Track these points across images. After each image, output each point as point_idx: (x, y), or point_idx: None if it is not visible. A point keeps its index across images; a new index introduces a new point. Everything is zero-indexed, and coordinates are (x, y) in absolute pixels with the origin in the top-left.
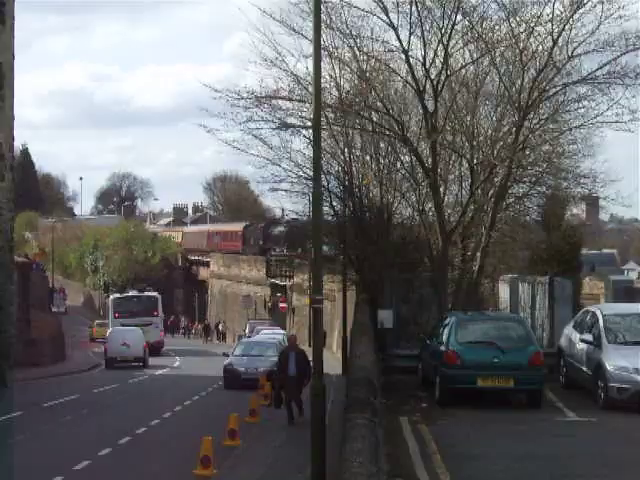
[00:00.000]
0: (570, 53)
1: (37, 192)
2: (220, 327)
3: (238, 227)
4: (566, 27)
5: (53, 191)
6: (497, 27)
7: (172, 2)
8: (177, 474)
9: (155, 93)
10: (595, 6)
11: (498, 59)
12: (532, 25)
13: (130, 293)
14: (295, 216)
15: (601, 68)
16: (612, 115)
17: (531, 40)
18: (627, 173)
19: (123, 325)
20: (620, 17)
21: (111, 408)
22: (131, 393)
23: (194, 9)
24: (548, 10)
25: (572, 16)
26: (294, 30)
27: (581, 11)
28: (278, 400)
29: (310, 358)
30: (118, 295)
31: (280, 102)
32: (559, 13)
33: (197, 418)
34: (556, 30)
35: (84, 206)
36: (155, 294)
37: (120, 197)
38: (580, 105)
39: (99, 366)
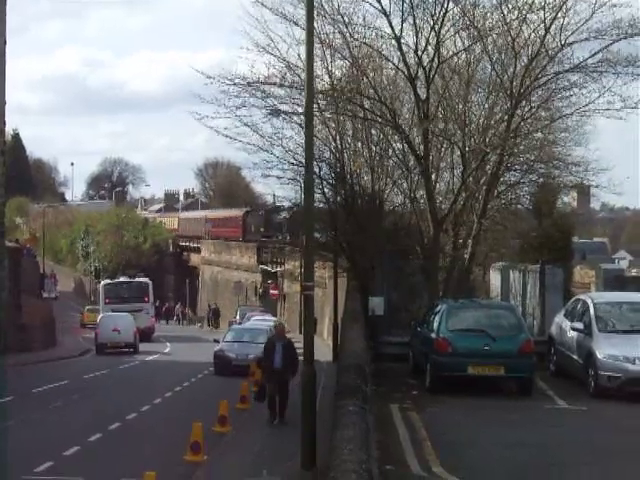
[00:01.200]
0: (563, 41)
1: (28, 177)
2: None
3: (238, 213)
4: (559, 15)
5: (44, 176)
6: (489, 14)
7: None
8: (167, 460)
9: (148, 79)
10: None
11: (490, 47)
12: (524, 13)
13: (121, 279)
14: (287, 203)
15: (593, 56)
16: (604, 103)
17: (523, 28)
18: (619, 161)
19: (114, 311)
20: (614, 5)
21: (101, 394)
22: (122, 379)
23: None
24: None
25: (564, 4)
26: (286, 17)
27: None
28: (262, 393)
29: (300, 345)
30: (109, 281)
31: (272, 89)
32: (551, 1)
33: (187, 404)
34: (548, 18)
35: (75, 191)
36: (146, 280)
37: (111, 183)
38: (572, 93)
39: (90, 352)
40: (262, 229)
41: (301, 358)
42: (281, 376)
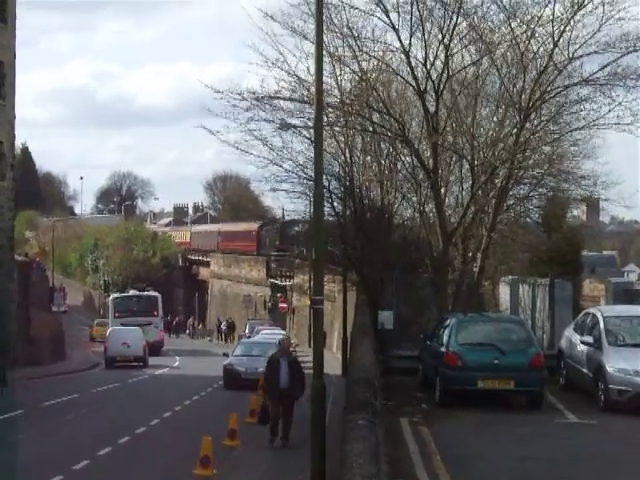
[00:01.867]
0: (571, 54)
1: (37, 191)
2: (223, 327)
3: (252, 227)
4: (567, 28)
5: (54, 190)
6: (497, 28)
7: (176, 2)
8: (177, 474)
9: (157, 92)
10: (596, 8)
11: (499, 60)
12: (533, 26)
13: (130, 293)
14: (297, 216)
15: (602, 69)
16: (613, 117)
17: (532, 41)
18: (628, 174)
19: (123, 325)
20: (621, 19)
21: (111, 407)
22: (131, 393)
23: (197, 9)
24: (548, 11)
25: (573, 17)
26: (295, 31)
27: (582, 12)
28: (265, 415)
29: (310, 358)
30: (118, 294)
31: (281, 102)
32: (559, 14)
33: (197, 418)
34: (557, 31)
35: (84, 205)
36: (155, 294)
37: (120, 196)
38: (581, 107)
39: (99, 365)
40: (277, 242)
41: (310, 372)
42: (287, 396)
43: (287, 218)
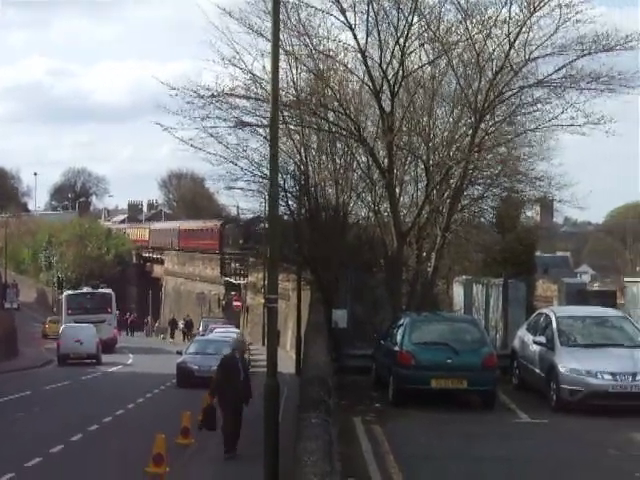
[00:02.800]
0: (527, 56)
1: None
2: (181, 325)
3: (214, 225)
4: (523, 30)
5: (7, 186)
6: (454, 29)
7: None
8: (129, 472)
9: (114, 89)
10: (553, 10)
11: (455, 61)
12: (489, 27)
13: (84, 290)
14: (251, 215)
15: (557, 71)
16: (567, 119)
17: (488, 42)
18: (582, 176)
19: (76, 322)
20: (577, 21)
21: (64, 405)
22: (84, 390)
23: (155, 6)
24: (505, 12)
25: (529, 19)
26: (252, 29)
27: (538, 14)
28: (211, 419)
29: (264, 357)
30: (71, 292)
31: (237, 100)
32: (516, 16)
33: (150, 416)
34: (513, 33)
35: (38, 202)
36: (109, 291)
37: (75, 193)
38: (536, 108)
39: (52, 363)
40: (241, 241)
41: (264, 370)
42: (239, 400)
43: (242, 216)
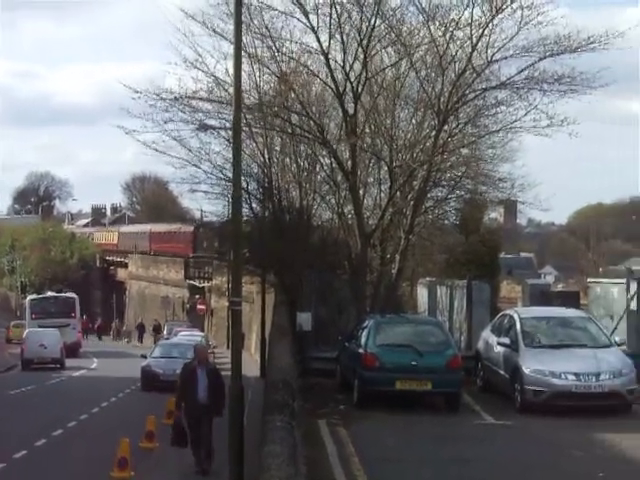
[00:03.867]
0: (489, 58)
1: None
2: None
3: (187, 228)
4: (485, 32)
5: None
6: (416, 31)
7: (98, 1)
8: (94, 476)
9: (78, 92)
10: (515, 12)
11: (417, 63)
12: (451, 29)
13: (47, 294)
14: (215, 218)
15: (519, 73)
16: (530, 120)
17: (450, 44)
18: (545, 177)
19: (40, 326)
20: (539, 23)
21: (28, 410)
22: (48, 395)
23: (121, 8)
24: (467, 14)
25: (491, 21)
26: (215, 31)
27: (500, 16)
28: (180, 435)
29: (228, 360)
30: (35, 296)
31: (200, 103)
32: (478, 18)
33: (114, 420)
34: (475, 35)
35: (1, 206)
36: (72, 295)
37: (38, 197)
38: (499, 110)
39: (16, 367)
40: (216, 244)
41: (229, 373)
42: (206, 412)
43: (205, 219)
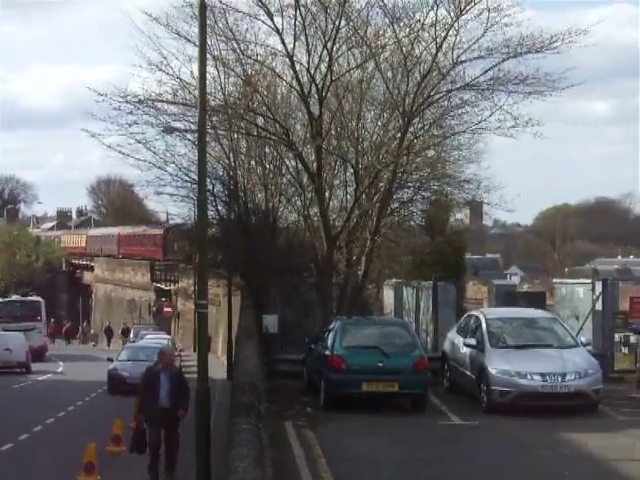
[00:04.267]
0: (455, 59)
1: None
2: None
3: (157, 230)
4: (450, 33)
5: None
6: (381, 32)
7: (64, 2)
8: None
9: (44, 95)
10: (481, 13)
11: (383, 64)
12: (416, 31)
13: (13, 297)
14: (181, 220)
15: (484, 74)
16: (495, 121)
17: (415, 46)
18: (511, 178)
19: (5, 330)
20: (505, 25)
21: None
22: (14, 399)
23: (84, 10)
24: (433, 16)
25: (456, 22)
26: (179, 34)
27: (466, 18)
28: (141, 441)
29: (195, 363)
30: (0, 299)
31: (165, 106)
32: (442, 19)
33: (81, 424)
34: (440, 36)
35: None
36: (38, 299)
37: (3, 200)
38: (464, 111)
39: None
40: (187, 247)
41: (195, 376)
42: (168, 417)
43: (175, 222)
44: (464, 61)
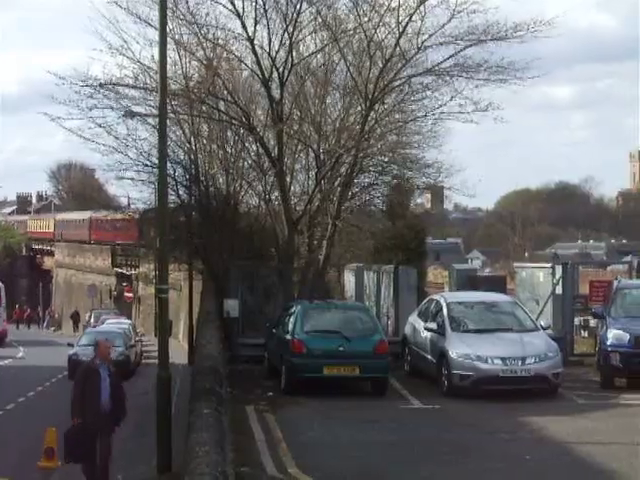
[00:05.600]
0: (419, 45)
1: None
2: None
3: (132, 215)
4: (415, 18)
5: None
6: (344, 16)
7: None
8: (21, 466)
9: (4, 79)
10: None
11: (345, 49)
12: (380, 15)
13: None
14: (142, 205)
15: (446, 60)
16: (456, 106)
17: (379, 30)
18: (472, 163)
19: None
20: (472, 12)
21: None
22: None
23: None
24: (396, 0)
25: (419, 6)
26: (140, 18)
27: (432, 2)
28: (78, 447)
29: (156, 348)
30: None
31: (126, 90)
32: (406, 2)
33: (41, 409)
34: (403, 21)
35: None
36: None
37: None
38: (425, 95)
39: None
40: (176, 232)
41: (156, 361)
42: (107, 422)
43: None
44: (428, 47)
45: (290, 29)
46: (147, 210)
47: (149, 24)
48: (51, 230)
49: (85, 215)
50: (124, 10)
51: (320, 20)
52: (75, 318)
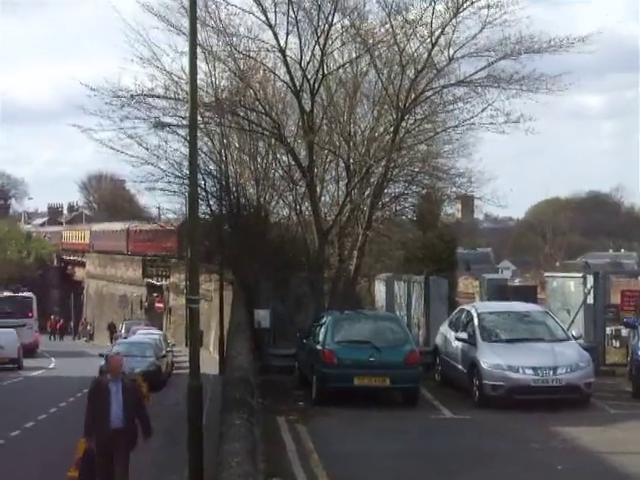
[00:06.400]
0: (451, 55)
1: None
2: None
3: (172, 225)
4: (447, 30)
5: None
6: (379, 27)
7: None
8: (51, 476)
9: (34, 91)
10: (480, 10)
11: (377, 59)
12: (413, 26)
13: (4, 294)
14: (173, 216)
15: (479, 72)
16: (487, 117)
17: (411, 41)
18: (503, 173)
19: None
20: (504, 22)
21: None
22: (6, 395)
23: (75, 6)
24: (430, 12)
25: (453, 18)
26: (172, 26)
27: (464, 14)
28: (89, 467)
29: (187, 358)
30: None
31: (156, 101)
32: (440, 14)
33: (73, 420)
34: (436, 32)
35: None
36: (30, 295)
37: None
38: (456, 107)
39: None
40: (207, 242)
41: (187, 372)
42: (121, 439)
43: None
44: (459, 58)
45: (322, 40)
46: (186, 221)
47: (180, 33)
48: (86, 241)
49: (122, 226)
50: (156, 17)
51: (353, 32)
52: (111, 329)
